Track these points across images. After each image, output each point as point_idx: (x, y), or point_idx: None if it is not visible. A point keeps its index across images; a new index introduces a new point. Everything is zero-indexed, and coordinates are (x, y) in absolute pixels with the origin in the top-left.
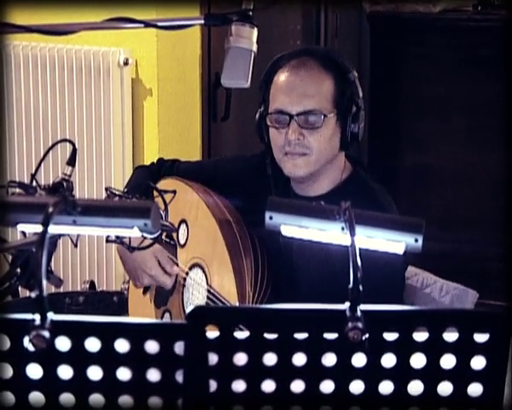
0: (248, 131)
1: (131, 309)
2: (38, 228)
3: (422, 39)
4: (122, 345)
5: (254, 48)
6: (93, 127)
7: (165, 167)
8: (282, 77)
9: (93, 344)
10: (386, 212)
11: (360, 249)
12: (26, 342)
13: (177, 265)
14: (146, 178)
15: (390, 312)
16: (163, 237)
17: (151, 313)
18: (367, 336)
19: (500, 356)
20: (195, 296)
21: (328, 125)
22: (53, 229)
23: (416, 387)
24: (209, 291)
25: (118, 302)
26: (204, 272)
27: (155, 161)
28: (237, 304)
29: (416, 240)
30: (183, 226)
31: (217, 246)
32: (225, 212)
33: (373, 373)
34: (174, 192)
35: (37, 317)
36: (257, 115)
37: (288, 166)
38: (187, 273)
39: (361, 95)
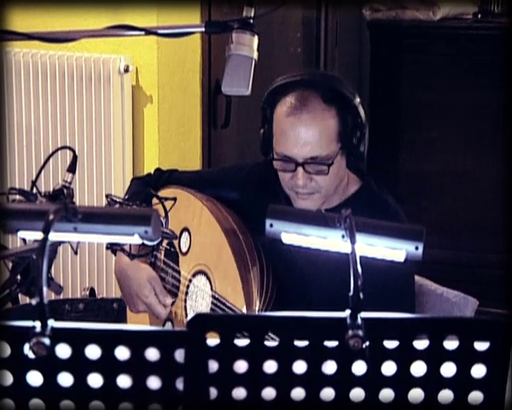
0: (249, 139)
1: (130, 321)
2: (39, 235)
3: (422, 47)
4: (122, 352)
5: (255, 55)
6: (93, 134)
7: (164, 178)
8: (284, 116)
9: (93, 351)
10: (402, 221)
11: (369, 257)
12: (27, 350)
13: (179, 273)
14: (143, 189)
15: (390, 319)
16: (164, 244)
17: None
18: (367, 343)
19: (500, 364)
20: (199, 303)
21: (334, 166)
22: (53, 236)
23: (416, 395)
24: (214, 297)
25: (118, 309)
26: (208, 278)
27: (152, 172)
28: (244, 310)
29: (417, 248)
30: (185, 234)
31: (222, 253)
32: (230, 219)
33: (373, 381)
34: (174, 199)
35: (37, 324)
36: (261, 132)
37: (298, 204)
38: (190, 281)
39: (364, 117)
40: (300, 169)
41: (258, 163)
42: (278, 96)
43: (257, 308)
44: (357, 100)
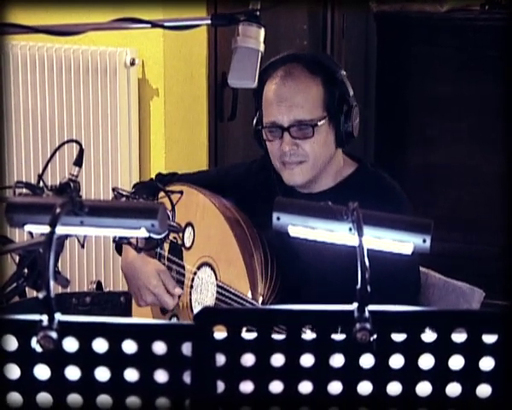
0: None
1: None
2: (46, 229)
3: (429, 39)
4: (129, 346)
5: (261, 48)
6: (100, 128)
7: (165, 180)
8: (271, 88)
9: (100, 345)
10: (399, 196)
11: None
12: (34, 343)
13: (184, 268)
14: (149, 184)
15: (398, 313)
16: (170, 237)
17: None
18: (375, 336)
19: (509, 357)
20: (204, 295)
21: (320, 131)
22: (60, 230)
23: (424, 388)
24: (219, 286)
25: (125, 303)
26: (213, 269)
27: (154, 177)
28: (249, 295)
29: (424, 240)
30: (188, 229)
31: (226, 242)
32: (233, 210)
33: (381, 374)
34: (181, 193)
35: (44, 318)
36: (254, 121)
37: (286, 176)
38: (195, 273)
39: (351, 93)
40: (287, 134)
41: (255, 160)
42: (266, 75)
43: (261, 292)
44: (343, 73)
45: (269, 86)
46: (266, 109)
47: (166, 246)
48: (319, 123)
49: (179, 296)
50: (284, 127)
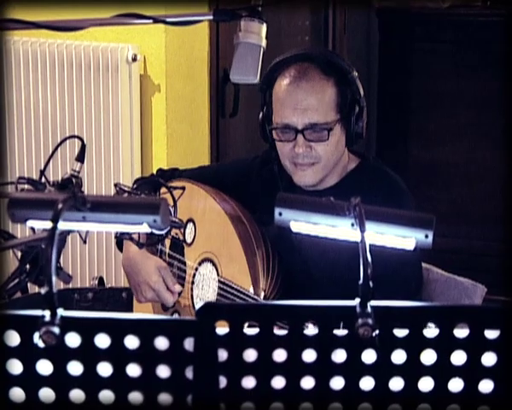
0: (256, 128)
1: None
2: (48, 224)
3: (431, 34)
4: (132, 341)
5: (263, 43)
6: (101, 123)
7: (166, 176)
8: (283, 87)
9: (103, 340)
10: (402, 190)
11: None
12: (36, 339)
13: (185, 264)
14: (151, 180)
15: (400, 308)
16: (172, 233)
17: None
18: (377, 332)
19: (511, 352)
20: (206, 290)
21: (334, 134)
22: (62, 225)
23: (426, 383)
24: (220, 281)
25: (127, 298)
26: (214, 264)
27: (155, 172)
28: (251, 290)
29: (427, 236)
30: (189, 225)
31: (228, 238)
32: (234, 206)
33: (383, 370)
34: (183, 188)
35: (46, 313)
36: (259, 117)
37: (298, 176)
38: (196, 269)
39: (362, 93)
40: (300, 137)
41: (257, 156)
42: (277, 72)
43: (263, 287)
44: (355, 74)
45: (280, 85)
46: (278, 109)
47: (168, 242)
48: (334, 127)
49: (180, 293)
50: (298, 130)
